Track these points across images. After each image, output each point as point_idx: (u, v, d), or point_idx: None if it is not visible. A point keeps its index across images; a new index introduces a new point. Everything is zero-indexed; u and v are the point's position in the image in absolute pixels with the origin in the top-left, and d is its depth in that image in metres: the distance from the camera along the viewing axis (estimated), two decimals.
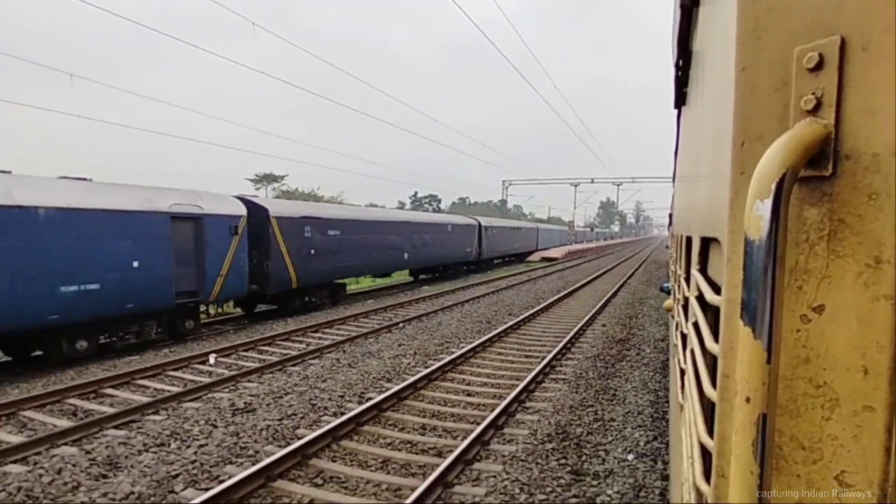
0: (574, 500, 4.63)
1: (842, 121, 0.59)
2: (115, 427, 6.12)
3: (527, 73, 28.21)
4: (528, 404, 7.02)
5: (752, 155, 0.65)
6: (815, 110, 0.61)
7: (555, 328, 12.07)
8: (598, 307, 14.79)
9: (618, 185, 61.16)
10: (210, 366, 8.94)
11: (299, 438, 5.67)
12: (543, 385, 7.85)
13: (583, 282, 22.08)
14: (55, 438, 5.69)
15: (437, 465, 4.95)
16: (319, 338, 11.23)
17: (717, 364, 0.75)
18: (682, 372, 1.60)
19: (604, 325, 12.45)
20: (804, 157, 0.57)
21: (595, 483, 4.93)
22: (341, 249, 16.38)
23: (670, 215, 9.76)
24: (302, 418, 6.39)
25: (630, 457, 5.46)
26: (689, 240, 1.81)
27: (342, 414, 6.41)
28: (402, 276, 26.17)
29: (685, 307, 1.79)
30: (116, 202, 9.85)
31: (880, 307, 0.58)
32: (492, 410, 6.47)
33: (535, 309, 14.29)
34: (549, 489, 4.78)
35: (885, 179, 0.57)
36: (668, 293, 5.06)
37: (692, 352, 1.26)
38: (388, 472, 5.13)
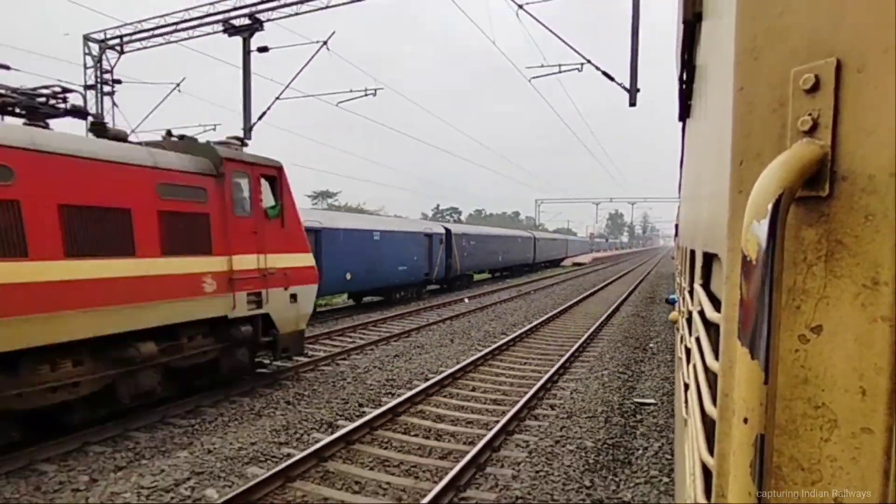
0: (645, 328, 15.30)
1: (838, 142, 0.60)
2: (442, 323, 16.88)
3: (545, 92, 32.22)
4: (618, 310, 17.72)
5: (750, 174, 0.65)
6: (812, 131, 0.61)
7: (613, 295, 22.75)
8: (633, 287, 25.50)
9: (632, 204, 71.99)
10: (465, 303, 19.64)
11: (543, 315, 16.35)
12: (619, 310, 18.48)
13: (614, 278, 32.82)
14: (422, 329, 16.46)
15: (594, 324, 15.65)
16: (501, 295, 21.93)
17: (718, 382, 0.75)
18: (686, 387, 1.63)
19: (639, 293, 23.20)
20: (801, 178, 0.58)
21: (652, 326, 15.61)
22: (475, 253, 27.18)
23: (676, 226, 10.63)
24: (533, 314, 17.00)
25: (665, 318, 16.17)
26: (692, 253, 1.79)
27: (549, 312, 17.06)
28: (482, 276, 36.70)
29: (689, 321, 1.79)
30: (412, 228, 20.70)
31: (878, 328, 0.58)
32: (603, 315, 17.10)
33: (597, 287, 25.11)
34: (638, 327, 15.39)
35: (881, 200, 0.57)
36: (674, 304, 5.16)
37: (695, 367, 1.26)
38: (566, 332, 15.75)
